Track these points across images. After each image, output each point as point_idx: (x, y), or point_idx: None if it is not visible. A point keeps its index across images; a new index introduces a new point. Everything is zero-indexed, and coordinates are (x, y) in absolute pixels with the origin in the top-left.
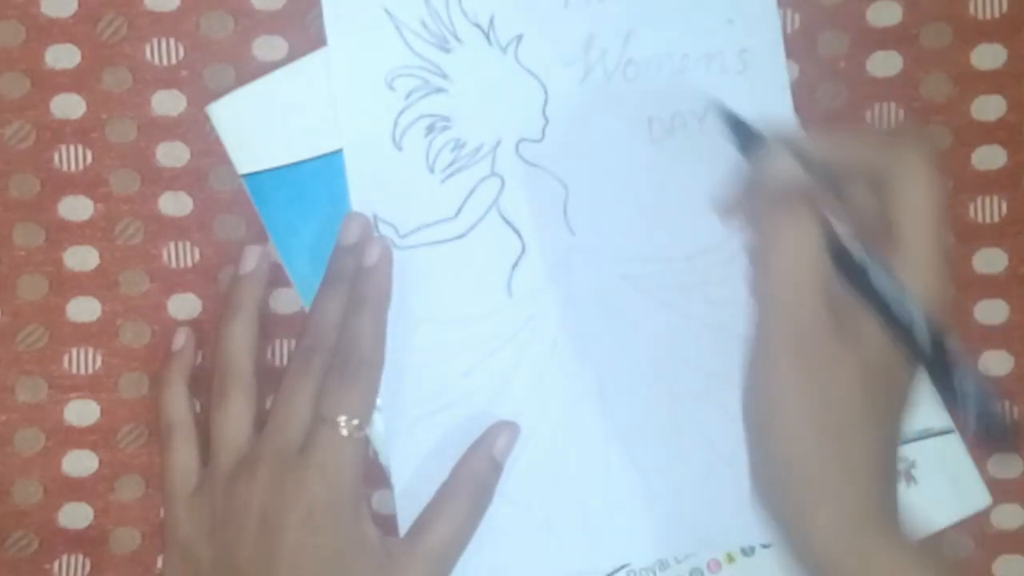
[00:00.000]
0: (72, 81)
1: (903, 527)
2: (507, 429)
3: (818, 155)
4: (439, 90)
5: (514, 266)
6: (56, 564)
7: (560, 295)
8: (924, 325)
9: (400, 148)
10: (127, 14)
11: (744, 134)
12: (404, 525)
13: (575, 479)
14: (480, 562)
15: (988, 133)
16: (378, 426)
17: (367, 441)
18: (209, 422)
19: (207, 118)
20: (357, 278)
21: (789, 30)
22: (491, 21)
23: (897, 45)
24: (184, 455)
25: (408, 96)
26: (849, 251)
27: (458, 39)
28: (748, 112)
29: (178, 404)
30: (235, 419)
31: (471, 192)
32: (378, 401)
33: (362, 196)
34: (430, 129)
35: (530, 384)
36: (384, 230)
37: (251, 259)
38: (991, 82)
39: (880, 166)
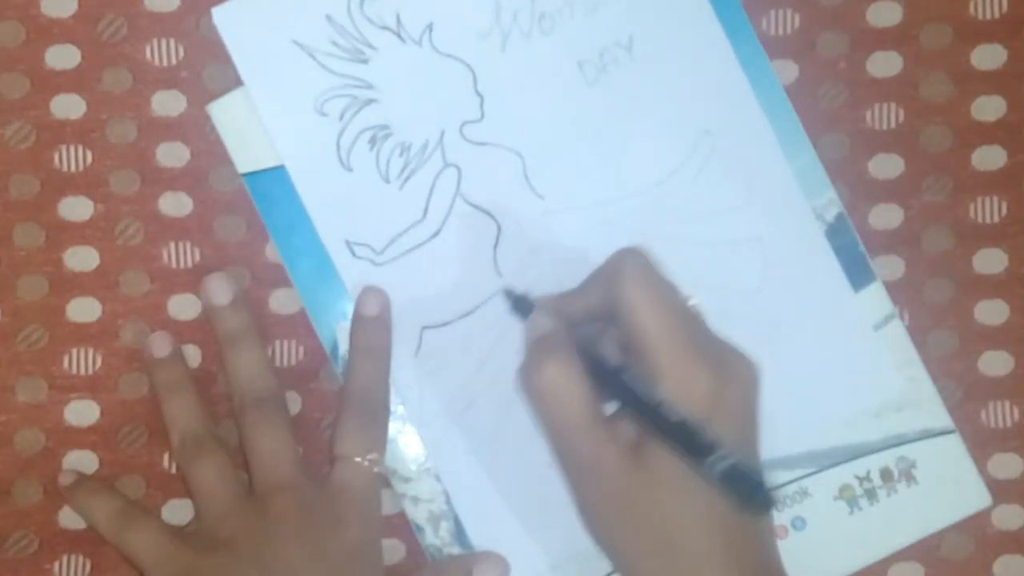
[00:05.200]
0: (72, 81)
1: None
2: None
3: (573, 308)
4: (370, 101)
5: (495, 246)
6: (56, 564)
7: (547, 259)
8: (673, 412)
9: (350, 168)
10: (127, 14)
11: (522, 304)
12: (470, 528)
13: None
14: (525, 522)
15: (988, 133)
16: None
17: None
18: (189, 481)
19: (207, 118)
20: (359, 328)
21: (789, 30)
22: (398, 19)
23: (897, 45)
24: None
25: (342, 117)
26: (607, 370)
27: (372, 47)
28: (669, 17)
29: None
30: (217, 475)
31: (431, 189)
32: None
33: (327, 225)
34: (373, 141)
35: None
36: (360, 252)
37: (163, 346)
38: (991, 82)
39: (607, 299)
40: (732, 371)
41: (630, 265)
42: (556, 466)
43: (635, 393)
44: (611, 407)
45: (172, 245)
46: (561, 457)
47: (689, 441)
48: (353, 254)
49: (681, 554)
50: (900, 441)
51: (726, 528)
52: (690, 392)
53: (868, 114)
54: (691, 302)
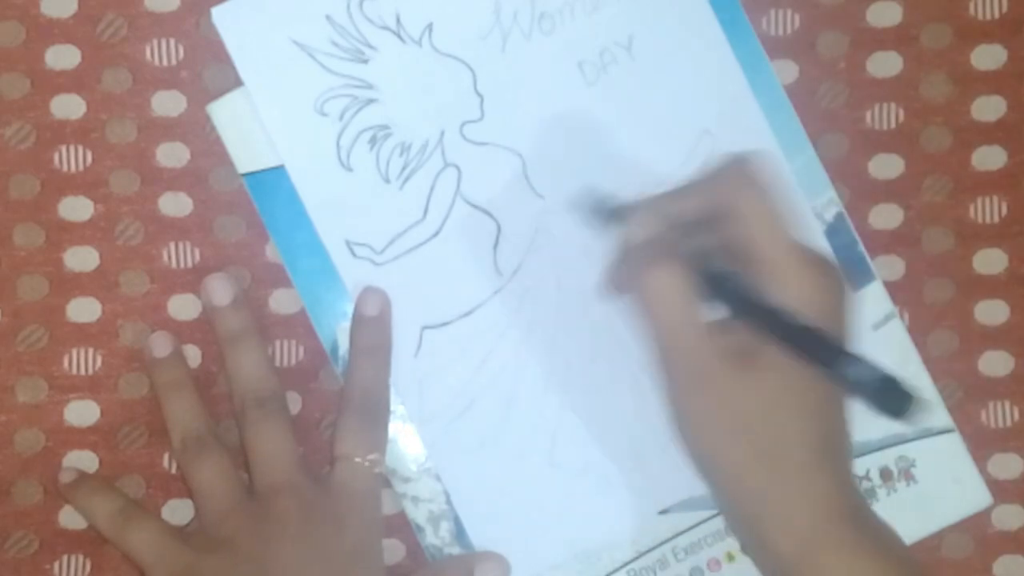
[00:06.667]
0: (72, 81)
1: (871, 526)
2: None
3: (675, 210)
4: (370, 101)
5: (495, 246)
6: (56, 564)
7: (547, 259)
8: (793, 318)
9: (350, 168)
10: (127, 14)
11: (612, 212)
12: (470, 528)
13: (605, 432)
14: (525, 522)
15: (988, 133)
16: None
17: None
18: (189, 481)
19: (207, 118)
20: (359, 328)
21: (789, 30)
22: (398, 19)
23: (897, 45)
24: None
25: (342, 117)
26: (720, 276)
27: (372, 47)
28: (669, 17)
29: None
30: (218, 475)
31: (431, 189)
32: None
33: (327, 225)
34: (373, 141)
35: (546, 353)
36: (360, 252)
37: (163, 346)
38: (991, 82)
39: (719, 203)
40: (837, 280)
41: (755, 172)
42: (657, 376)
43: (750, 299)
44: (717, 314)
45: (172, 245)
46: (667, 365)
47: (818, 347)
48: (353, 254)
49: (784, 462)
50: (900, 440)
51: (829, 435)
52: (810, 299)
53: (868, 114)
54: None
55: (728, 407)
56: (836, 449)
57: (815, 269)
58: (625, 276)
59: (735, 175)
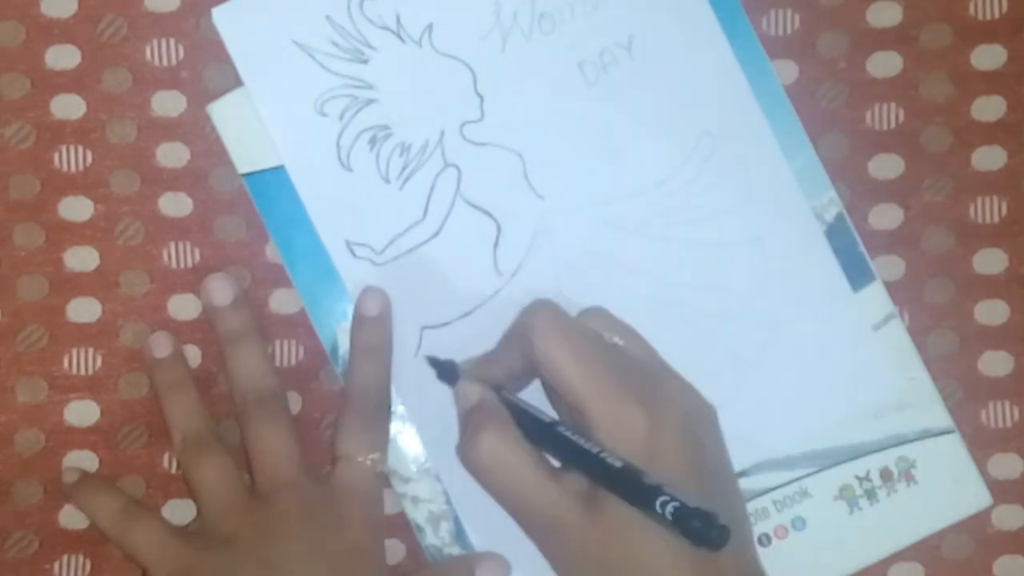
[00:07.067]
0: (72, 81)
1: None
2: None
3: (497, 370)
4: (370, 101)
5: (495, 246)
6: (56, 564)
7: (548, 260)
8: (614, 458)
9: (350, 168)
10: (127, 14)
11: (447, 371)
12: (469, 528)
13: None
14: None
15: (988, 133)
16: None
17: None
18: (190, 480)
19: (207, 118)
20: (359, 328)
21: (789, 30)
22: (398, 20)
23: (897, 45)
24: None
25: (342, 117)
26: (544, 426)
27: (372, 47)
28: (669, 17)
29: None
30: (219, 474)
31: (431, 189)
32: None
33: (327, 225)
34: (373, 142)
35: None
36: (361, 252)
37: (163, 346)
38: (991, 82)
39: (525, 356)
40: (665, 402)
41: (540, 321)
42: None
43: (574, 445)
44: (556, 461)
45: (172, 245)
46: (521, 522)
47: (633, 486)
48: (353, 254)
49: None
50: (900, 441)
51: (692, 563)
52: (627, 434)
53: (868, 114)
54: (614, 339)
55: (587, 553)
56: (710, 570)
57: (624, 405)
58: (463, 446)
59: (529, 329)
